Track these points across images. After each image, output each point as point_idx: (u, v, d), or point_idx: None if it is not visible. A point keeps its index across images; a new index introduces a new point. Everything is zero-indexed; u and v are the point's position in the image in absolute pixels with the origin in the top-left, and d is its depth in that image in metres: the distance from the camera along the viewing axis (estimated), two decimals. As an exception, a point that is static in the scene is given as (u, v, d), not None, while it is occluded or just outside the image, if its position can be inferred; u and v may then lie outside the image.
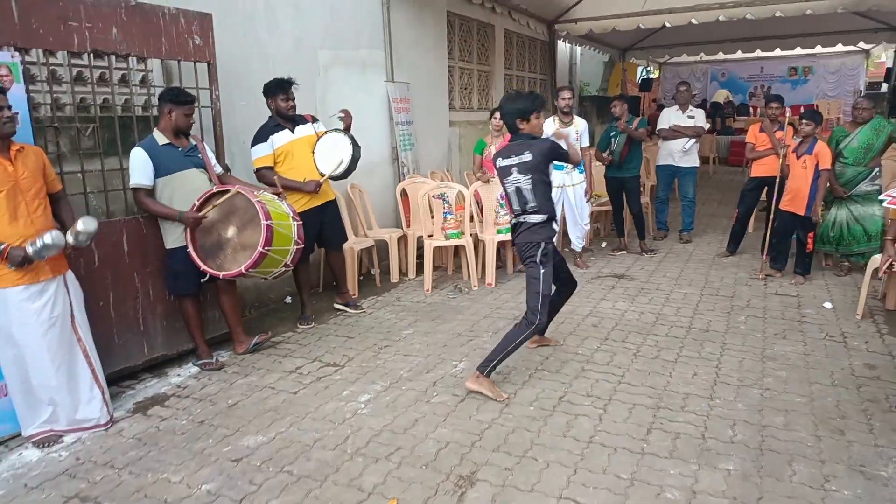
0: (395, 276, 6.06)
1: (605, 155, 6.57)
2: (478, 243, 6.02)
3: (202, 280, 3.90)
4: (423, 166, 7.30)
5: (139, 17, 3.71)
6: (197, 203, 3.78)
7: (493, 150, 6.07)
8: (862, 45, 13.92)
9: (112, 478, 2.85)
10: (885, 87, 14.55)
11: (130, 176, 3.74)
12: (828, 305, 4.91)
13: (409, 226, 6.27)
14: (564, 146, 3.68)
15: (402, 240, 6.24)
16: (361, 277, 6.09)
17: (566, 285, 3.91)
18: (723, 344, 4.19)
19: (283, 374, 3.91)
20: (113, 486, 2.78)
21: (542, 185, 3.51)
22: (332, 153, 4.59)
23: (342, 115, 4.76)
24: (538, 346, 4.13)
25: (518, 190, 3.52)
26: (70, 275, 3.25)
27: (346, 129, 4.69)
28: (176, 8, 3.94)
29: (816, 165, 5.25)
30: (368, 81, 6.32)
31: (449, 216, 5.73)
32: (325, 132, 4.70)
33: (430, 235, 5.84)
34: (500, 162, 3.57)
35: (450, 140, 8.08)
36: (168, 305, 4.06)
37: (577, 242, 6.29)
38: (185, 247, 3.82)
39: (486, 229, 5.98)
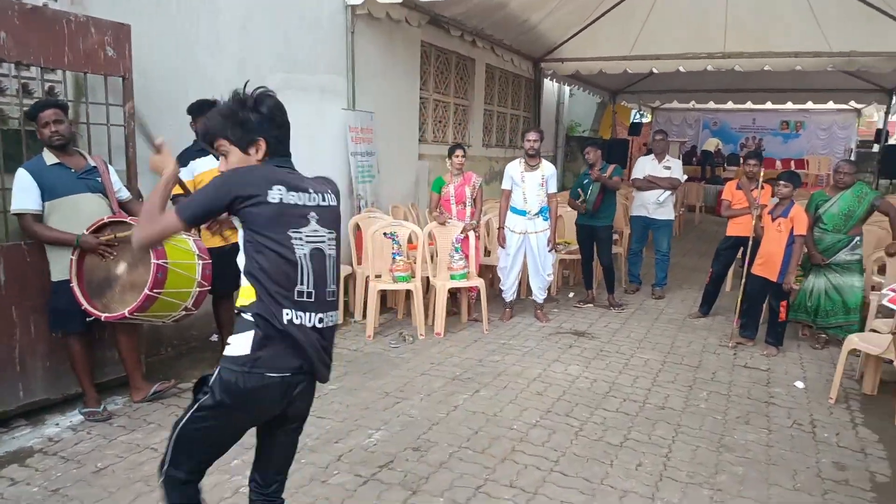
0: (339, 317, 5.58)
1: (578, 203, 6.19)
2: (430, 288, 5.58)
3: (88, 318, 3.43)
4: (387, 200, 6.88)
5: (36, 22, 3.30)
6: (86, 233, 3.33)
7: (451, 189, 5.68)
8: (853, 104, 13.77)
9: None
10: (876, 147, 14.37)
11: (13, 200, 3.29)
12: (799, 385, 4.46)
13: (360, 263, 5.82)
14: None
15: (351, 278, 5.80)
16: (303, 317, 5.62)
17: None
18: (677, 426, 3.73)
19: (172, 434, 3.42)
20: None
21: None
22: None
23: None
24: None
25: (321, 256, 1.95)
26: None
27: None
28: (86, 16, 3.53)
29: (792, 230, 4.86)
30: (326, 108, 5.92)
31: (398, 257, 5.28)
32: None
33: (378, 276, 5.39)
34: (288, 195, 1.89)
35: (418, 173, 7.69)
36: (52, 344, 3.58)
37: (539, 293, 5.85)
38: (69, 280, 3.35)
39: (439, 273, 5.54)
